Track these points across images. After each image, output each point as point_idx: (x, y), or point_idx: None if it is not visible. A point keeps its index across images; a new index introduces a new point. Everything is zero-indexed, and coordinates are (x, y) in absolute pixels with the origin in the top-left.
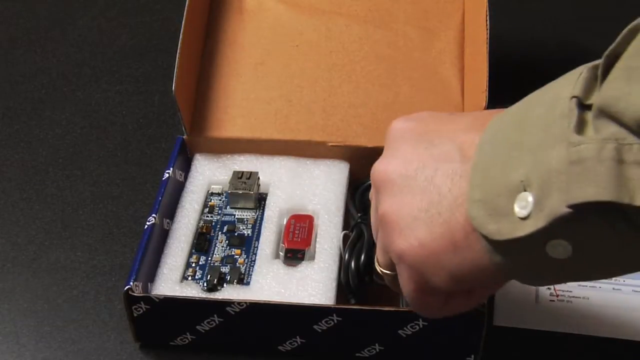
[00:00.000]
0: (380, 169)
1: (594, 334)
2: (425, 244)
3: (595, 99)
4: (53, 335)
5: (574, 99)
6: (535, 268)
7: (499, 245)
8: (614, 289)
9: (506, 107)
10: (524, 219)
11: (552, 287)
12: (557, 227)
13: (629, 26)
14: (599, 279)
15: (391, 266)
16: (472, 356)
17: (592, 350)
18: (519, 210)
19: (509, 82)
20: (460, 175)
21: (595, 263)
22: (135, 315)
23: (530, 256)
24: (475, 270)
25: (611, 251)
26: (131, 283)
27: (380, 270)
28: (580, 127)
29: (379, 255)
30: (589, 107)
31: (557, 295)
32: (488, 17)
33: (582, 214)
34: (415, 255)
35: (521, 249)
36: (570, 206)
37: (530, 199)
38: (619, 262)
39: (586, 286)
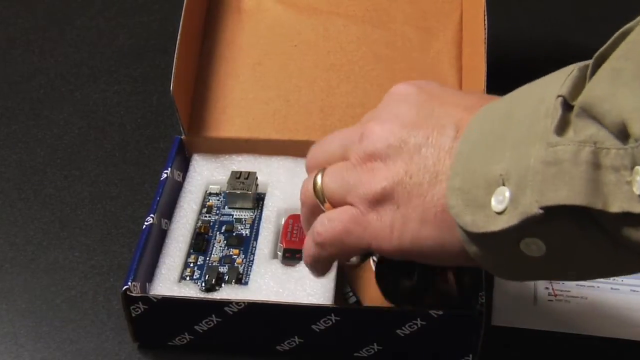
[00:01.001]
0: (376, 129)
1: (593, 334)
2: (401, 208)
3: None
4: (51, 336)
5: (560, 98)
6: (508, 262)
7: (473, 237)
8: (612, 288)
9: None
10: (499, 213)
11: (550, 287)
12: (529, 226)
13: (621, 29)
14: (575, 280)
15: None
16: (470, 356)
17: (591, 350)
18: (496, 204)
19: (507, 82)
20: (447, 151)
21: (568, 264)
22: (133, 315)
23: (504, 251)
24: (438, 247)
25: (584, 254)
26: (129, 283)
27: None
28: (562, 127)
29: (330, 181)
30: (573, 108)
31: (556, 295)
32: (486, 16)
33: (553, 216)
34: (388, 210)
35: (495, 243)
36: (542, 207)
37: (507, 194)
38: (593, 265)
39: (584, 286)
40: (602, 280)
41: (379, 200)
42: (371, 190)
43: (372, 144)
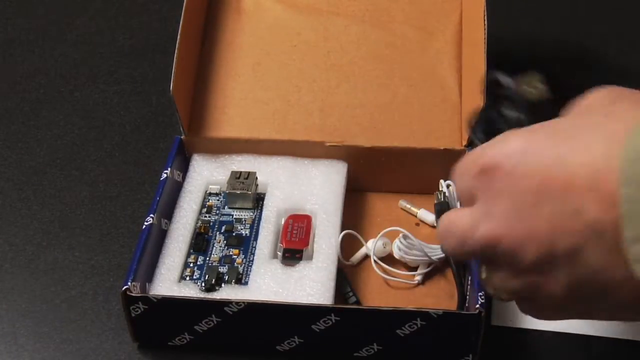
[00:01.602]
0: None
1: (593, 334)
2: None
3: None
4: (51, 336)
5: None
6: None
7: None
8: None
9: None
10: None
11: None
12: None
13: None
14: None
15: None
16: (470, 356)
17: (591, 350)
18: None
19: None
20: (612, 246)
21: None
22: (133, 315)
23: None
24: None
25: None
26: (129, 283)
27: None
28: None
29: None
30: None
31: None
32: (486, 16)
33: None
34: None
35: None
36: None
37: None
38: None
39: None
40: None
41: (560, 309)
42: (549, 312)
43: (520, 256)
